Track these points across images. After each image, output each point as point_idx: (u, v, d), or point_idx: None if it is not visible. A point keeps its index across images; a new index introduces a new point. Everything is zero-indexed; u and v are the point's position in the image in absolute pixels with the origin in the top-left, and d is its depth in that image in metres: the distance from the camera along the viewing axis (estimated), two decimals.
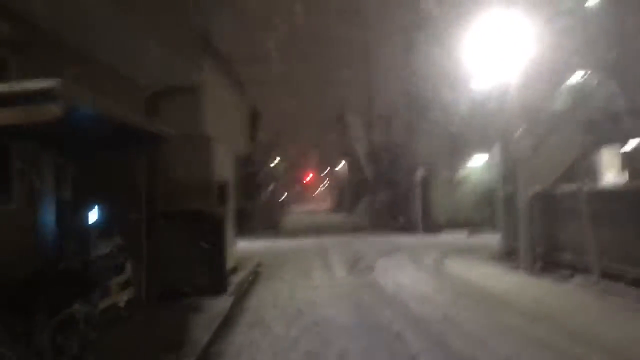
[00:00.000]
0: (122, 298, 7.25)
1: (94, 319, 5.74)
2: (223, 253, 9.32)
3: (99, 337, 5.68)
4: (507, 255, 12.57)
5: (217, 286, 9.10)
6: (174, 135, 9.72)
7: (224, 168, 11.37)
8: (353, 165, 46.13)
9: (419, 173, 22.69)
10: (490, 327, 6.45)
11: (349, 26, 34.06)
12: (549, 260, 11.11)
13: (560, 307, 7.48)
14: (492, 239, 18.26)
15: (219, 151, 10.72)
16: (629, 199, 8.59)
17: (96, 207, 6.27)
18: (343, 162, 50.71)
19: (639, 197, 8.41)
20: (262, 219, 28.19)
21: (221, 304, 8.50)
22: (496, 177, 23.34)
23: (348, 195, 48.82)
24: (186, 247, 8.99)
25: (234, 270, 11.96)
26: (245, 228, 26.24)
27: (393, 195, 33.81)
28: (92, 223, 6.16)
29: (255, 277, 11.75)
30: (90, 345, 5.55)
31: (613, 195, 9.14)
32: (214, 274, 9.18)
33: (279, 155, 53.45)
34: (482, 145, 22.30)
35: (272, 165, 36.39)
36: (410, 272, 11.26)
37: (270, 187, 40.52)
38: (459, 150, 22.98)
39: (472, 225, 22.24)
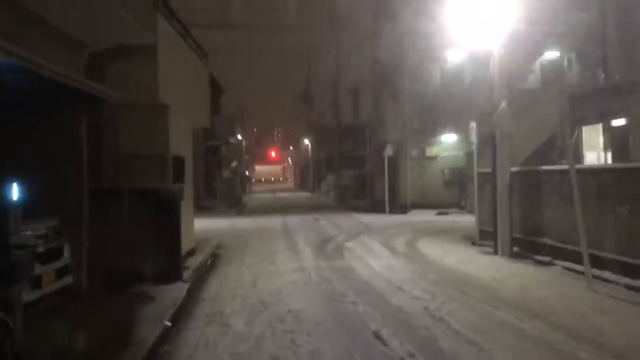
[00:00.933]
0: (57, 287, 6.24)
1: (15, 316, 4.72)
2: (178, 235, 8.33)
3: (22, 336, 4.67)
4: (483, 238, 11.95)
5: (171, 272, 8.12)
6: (119, 100, 8.62)
7: (182, 141, 10.31)
8: (318, 143, 45.25)
9: (387, 150, 21.95)
10: (482, 323, 5.69)
11: None
12: (527, 244, 10.51)
13: (552, 298, 6.79)
14: (462, 220, 17.75)
15: (176, 122, 9.66)
16: (623, 179, 7.96)
17: (18, 181, 5.19)
18: (307, 139, 49.72)
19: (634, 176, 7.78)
20: (224, 196, 27.09)
21: (175, 292, 7.54)
22: (466, 156, 22.89)
23: (312, 173, 48.01)
24: (136, 228, 7.96)
25: (192, 252, 10.99)
26: (206, 206, 25.17)
27: (359, 174, 33.13)
28: (14, 201, 5.08)
29: (214, 260, 10.81)
30: (11, 348, 4.55)
31: (609, 174, 8.49)
32: (167, 258, 8.18)
33: (242, 131, 52.14)
34: (453, 122, 21.69)
35: (234, 141, 35.15)
36: (383, 255, 10.50)
37: (233, 164, 39.32)
38: (429, 127, 22.31)
39: (440, 205, 21.71)
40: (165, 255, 8.15)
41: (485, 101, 11.09)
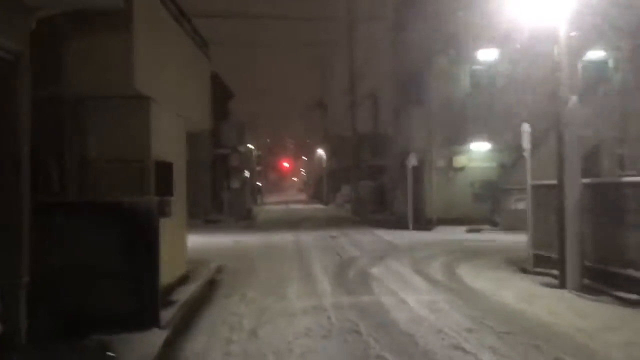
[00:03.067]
0: None
1: None
2: (155, 263, 6.28)
3: None
4: (539, 264, 9.81)
5: (145, 314, 6.06)
6: (85, 88, 6.67)
7: (170, 144, 8.32)
8: (332, 153, 43.17)
9: (411, 160, 19.83)
10: None
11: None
12: (600, 275, 8.35)
13: None
14: (499, 240, 15.56)
15: (160, 119, 7.67)
16: None
17: None
18: (321, 149, 47.72)
19: None
20: (232, 209, 25.10)
21: (146, 346, 5.50)
22: (498, 167, 20.69)
23: (326, 184, 45.94)
24: (97, 254, 5.95)
25: (184, 279, 8.97)
26: (212, 219, 23.21)
27: (378, 186, 31.01)
28: None
29: (211, 290, 8.75)
30: None
31: None
32: (140, 295, 6.13)
33: (253, 140, 50.28)
34: (484, 129, 19.54)
35: (244, 149, 33.23)
36: (420, 288, 8.36)
37: (244, 174, 37.40)
38: (457, 135, 20.16)
39: (468, 221, 19.51)
40: (137, 291, 6.10)
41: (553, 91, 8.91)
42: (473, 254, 12.40)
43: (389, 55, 25.34)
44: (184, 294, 7.96)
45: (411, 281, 8.91)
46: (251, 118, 49.47)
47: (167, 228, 7.90)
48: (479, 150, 20.22)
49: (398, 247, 13.96)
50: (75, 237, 5.89)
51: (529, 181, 10.41)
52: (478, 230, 18.56)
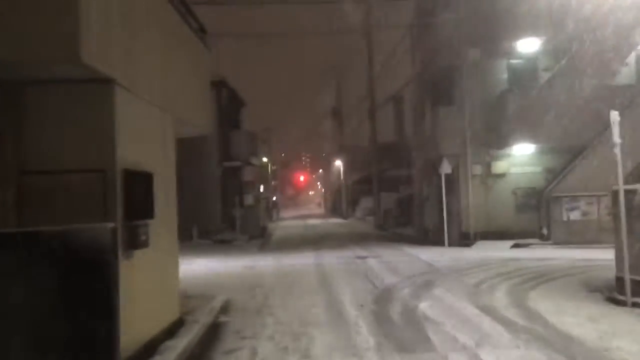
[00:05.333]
0: None
1: None
2: (112, 318, 4.09)
3: None
4: (638, 293, 7.50)
5: None
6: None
7: (148, 147, 6.17)
8: (351, 164, 40.94)
9: (444, 167, 17.53)
10: None
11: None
12: None
13: None
14: (555, 257, 13.20)
15: (132, 112, 5.54)
16: None
17: None
18: (338, 161, 45.52)
19: None
20: (246, 227, 22.92)
21: None
22: (545, 172, 18.23)
23: (344, 198, 43.70)
24: (17, 316, 3.79)
25: (175, 327, 6.79)
26: (222, 239, 21.04)
27: (402, 197, 28.70)
28: None
29: (209, 343, 6.53)
30: None
31: None
32: None
33: (267, 153, 48.28)
34: (527, 130, 17.21)
35: (257, 162, 31.15)
36: (496, 336, 6.04)
37: (257, 189, 35.32)
38: (495, 138, 17.83)
39: (510, 235, 17.13)
40: None
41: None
42: (536, 278, 10.07)
43: (413, 53, 23.13)
44: (170, 355, 5.75)
45: (479, 324, 6.60)
46: (265, 130, 47.61)
47: (146, 263, 5.75)
48: (521, 154, 17.84)
49: (440, 270, 11.64)
50: None
51: (620, 186, 8.04)
52: (525, 246, 16.18)
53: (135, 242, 5.29)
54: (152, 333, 6.00)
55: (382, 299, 8.56)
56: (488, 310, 7.31)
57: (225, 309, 8.43)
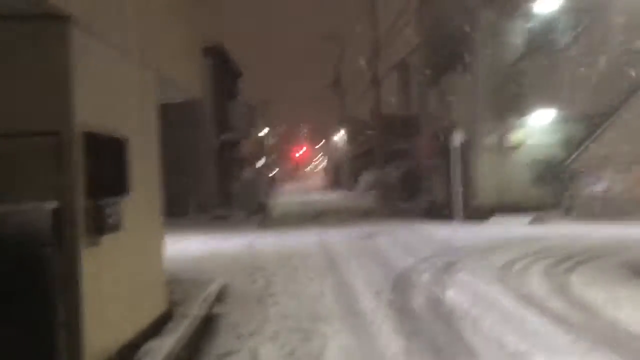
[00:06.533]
0: None
1: None
2: (63, 335, 2.97)
3: None
4: None
5: None
6: None
7: (119, 107, 4.98)
8: (353, 135, 39.66)
9: (456, 138, 16.34)
10: None
11: None
12: None
13: None
14: (583, 233, 12.13)
15: (97, 60, 4.36)
16: None
17: None
18: (341, 132, 44.24)
19: None
20: (245, 202, 21.82)
21: None
22: (564, 143, 17.02)
23: (347, 170, 42.54)
24: None
25: (161, 322, 5.71)
26: (220, 215, 19.96)
27: (407, 171, 27.55)
28: None
29: (200, 343, 5.46)
30: None
31: None
32: None
33: (267, 126, 47.01)
34: (543, 98, 16.00)
35: (257, 135, 29.92)
36: (551, 336, 4.95)
37: (257, 163, 34.18)
38: (511, 105, 16.60)
39: (526, 208, 16.03)
40: None
41: None
42: (569, 258, 8.98)
43: (420, 17, 21.71)
44: (157, 354, 4.68)
45: (524, 320, 5.50)
46: (264, 102, 46.24)
47: (119, 250, 4.64)
48: (538, 124, 16.62)
49: (459, 249, 10.55)
50: None
51: None
52: (544, 221, 15.09)
53: (101, 225, 4.15)
54: (131, 333, 4.92)
55: (400, 285, 7.47)
56: (529, 301, 6.22)
57: (221, 296, 7.35)
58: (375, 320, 5.72)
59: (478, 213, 16.61)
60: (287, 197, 39.71)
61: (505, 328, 5.20)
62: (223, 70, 23.22)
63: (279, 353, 4.92)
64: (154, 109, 6.02)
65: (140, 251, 5.36)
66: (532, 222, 15.01)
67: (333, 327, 5.58)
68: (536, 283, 7.16)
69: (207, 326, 6.03)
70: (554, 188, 16.26)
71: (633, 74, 15.05)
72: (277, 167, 56.48)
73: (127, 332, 4.83)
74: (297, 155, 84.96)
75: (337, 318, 5.91)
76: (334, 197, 36.25)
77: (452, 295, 6.65)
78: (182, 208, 19.47)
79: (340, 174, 46.74)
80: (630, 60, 15.25)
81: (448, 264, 8.88)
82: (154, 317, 5.62)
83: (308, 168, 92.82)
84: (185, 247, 12.55)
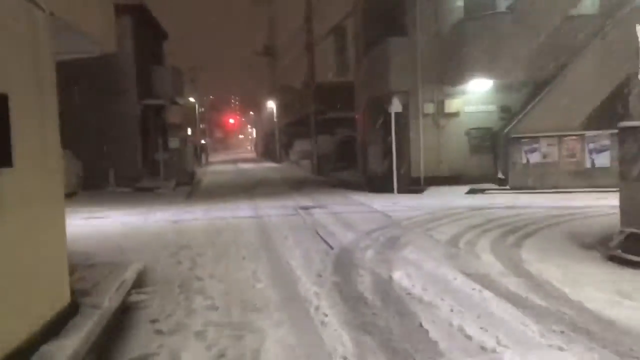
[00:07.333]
0: None
1: None
2: None
3: None
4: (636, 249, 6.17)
5: None
6: None
7: None
8: (285, 106, 38.65)
9: (394, 106, 15.76)
10: None
11: None
12: None
13: None
14: (521, 204, 11.90)
15: None
16: None
17: None
18: (271, 102, 43.09)
19: None
20: (171, 173, 20.55)
21: None
22: (501, 111, 16.72)
23: (278, 141, 41.61)
24: None
25: (65, 319, 4.75)
26: (145, 187, 18.66)
27: (342, 140, 26.99)
28: None
29: (109, 343, 4.55)
30: None
31: None
32: None
33: (195, 94, 45.15)
34: (482, 65, 15.65)
35: (184, 102, 28.36)
36: (519, 329, 4.35)
37: (184, 132, 32.64)
38: (450, 72, 16.19)
39: (463, 180, 15.84)
40: None
41: None
42: (514, 232, 8.62)
43: None
44: None
45: (484, 306, 4.91)
46: (191, 69, 44.28)
47: (1, 234, 3.63)
48: (476, 91, 16.31)
49: (401, 222, 9.99)
50: None
51: None
52: (482, 192, 14.88)
53: None
54: (25, 335, 3.97)
55: (343, 264, 6.77)
56: (484, 282, 5.66)
57: (140, 281, 6.40)
58: (320, 310, 4.98)
59: (415, 184, 16.24)
60: (216, 167, 38.41)
61: (466, 316, 4.59)
62: (145, 31, 21.55)
63: (206, 355, 4.09)
64: (50, 60, 4.91)
65: (31, 235, 4.34)
66: (469, 193, 14.76)
67: (271, 319, 4.79)
68: (487, 260, 6.64)
69: (120, 321, 5.10)
70: (491, 158, 16.09)
71: (572, 42, 14.92)
72: (206, 137, 54.66)
73: (16, 334, 3.86)
74: (226, 125, 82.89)
75: (275, 308, 5.12)
76: (265, 167, 35.33)
77: (401, 276, 6.00)
78: (101, 180, 18.03)
79: (271, 144, 45.72)
80: (570, 29, 15.10)
81: (391, 239, 8.28)
82: (55, 312, 4.64)
83: (238, 138, 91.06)
84: (102, 223, 11.38)
